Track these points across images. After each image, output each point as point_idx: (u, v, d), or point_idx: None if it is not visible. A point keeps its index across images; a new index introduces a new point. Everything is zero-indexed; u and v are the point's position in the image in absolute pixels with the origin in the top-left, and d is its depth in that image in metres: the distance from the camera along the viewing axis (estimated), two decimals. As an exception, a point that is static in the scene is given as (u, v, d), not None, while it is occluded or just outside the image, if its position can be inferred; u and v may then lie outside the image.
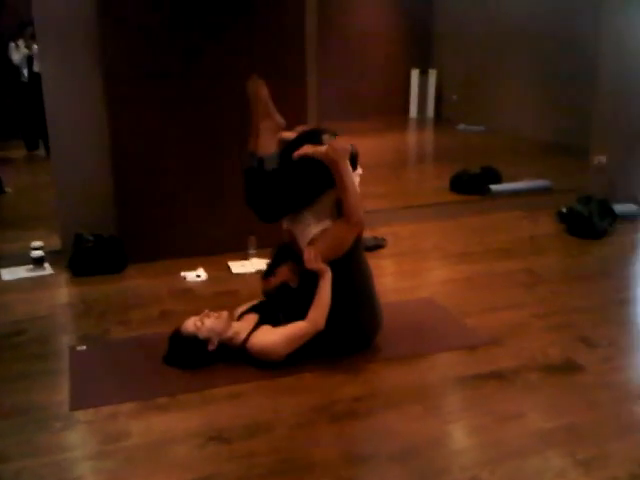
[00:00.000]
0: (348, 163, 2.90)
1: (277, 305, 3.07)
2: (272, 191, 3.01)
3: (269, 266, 3.23)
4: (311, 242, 2.99)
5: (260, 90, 3.11)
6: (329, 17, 10.37)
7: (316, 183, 2.96)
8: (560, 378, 2.91)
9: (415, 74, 11.74)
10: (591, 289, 3.94)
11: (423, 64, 11.71)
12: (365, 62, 11.49)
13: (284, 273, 3.10)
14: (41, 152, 8.41)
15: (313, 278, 2.96)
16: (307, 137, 3.02)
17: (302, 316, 2.93)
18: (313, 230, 2.98)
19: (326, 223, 2.97)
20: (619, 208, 5.19)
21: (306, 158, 2.91)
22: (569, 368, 2.99)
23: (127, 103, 4.18)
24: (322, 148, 2.88)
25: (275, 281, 3.12)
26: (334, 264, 2.95)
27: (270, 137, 3.07)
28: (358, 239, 3.02)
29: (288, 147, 3.02)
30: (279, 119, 3.13)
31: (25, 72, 8.19)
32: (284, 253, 3.15)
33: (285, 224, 3.16)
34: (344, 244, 2.94)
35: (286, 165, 2.99)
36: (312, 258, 2.92)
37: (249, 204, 3.09)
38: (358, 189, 2.97)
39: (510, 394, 2.78)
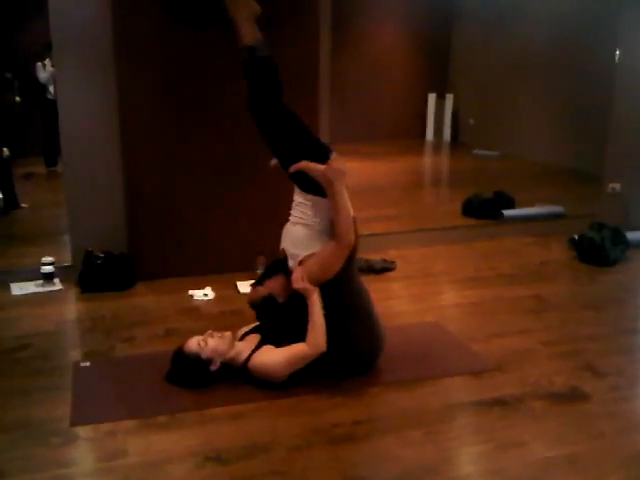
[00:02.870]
0: (344, 185, 2.91)
1: (279, 325, 3.06)
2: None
3: (261, 276, 3.21)
4: (301, 263, 2.99)
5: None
6: (346, 40, 10.48)
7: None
8: (565, 407, 2.87)
9: (432, 98, 11.75)
10: (600, 317, 3.89)
11: (440, 88, 11.72)
12: (382, 85, 11.53)
13: (274, 285, 3.07)
14: (59, 169, 8.53)
15: (302, 298, 2.95)
16: None
17: (297, 335, 2.92)
18: (302, 253, 2.99)
19: (316, 247, 2.97)
20: (632, 236, 5.14)
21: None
22: (574, 397, 2.95)
23: (141, 122, 4.23)
24: (320, 166, 2.89)
25: (262, 291, 3.08)
26: (326, 286, 2.95)
27: None
28: (350, 261, 3.01)
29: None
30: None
31: (51, 89, 8.36)
32: (279, 266, 3.13)
33: (281, 244, 3.17)
34: (334, 266, 2.93)
35: None
36: (299, 278, 2.93)
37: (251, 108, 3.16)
38: (352, 212, 2.98)
39: (513, 421, 2.75)
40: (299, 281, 2.93)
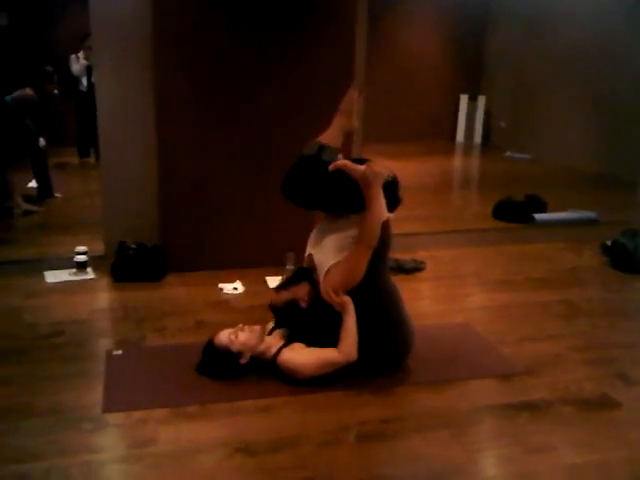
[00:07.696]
0: (381, 188, 2.90)
1: (303, 329, 3.07)
2: (312, 181, 3.04)
3: (285, 281, 3.23)
4: (327, 273, 2.98)
5: (351, 94, 3.21)
6: (379, 41, 10.45)
7: (351, 197, 2.95)
8: (594, 413, 2.85)
9: (464, 100, 11.70)
10: (632, 325, 3.85)
11: (472, 90, 11.67)
12: (414, 86, 11.51)
13: (298, 291, 3.06)
14: (91, 159, 8.66)
15: (325, 305, 2.94)
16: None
17: (323, 341, 2.94)
18: (331, 261, 2.98)
19: (343, 256, 2.96)
20: (666, 244, 5.06)
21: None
22: (604, 404, 2.92)
23: (177, 116, 4.28)
24: (360, 167, 2.89)
25: (286, 296, 3.09)
26: (358, 289, 2.93)
27: (337, 132, 3.15)
28: (381, 260, 2.99)
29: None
30: (354, 121, 3.21)
31: (84, 81, 8.48)
32: (303, 274, 3.13)
33: (308, 249, 3.17)
34: (358, 270, 2.90)
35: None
36: (331, 293, 2.91)
37: (284, 189, 3.14)
38: (386, 214, 2.96)
39: (542, 426, 2.73)
40: (332, 296, 2.92)
